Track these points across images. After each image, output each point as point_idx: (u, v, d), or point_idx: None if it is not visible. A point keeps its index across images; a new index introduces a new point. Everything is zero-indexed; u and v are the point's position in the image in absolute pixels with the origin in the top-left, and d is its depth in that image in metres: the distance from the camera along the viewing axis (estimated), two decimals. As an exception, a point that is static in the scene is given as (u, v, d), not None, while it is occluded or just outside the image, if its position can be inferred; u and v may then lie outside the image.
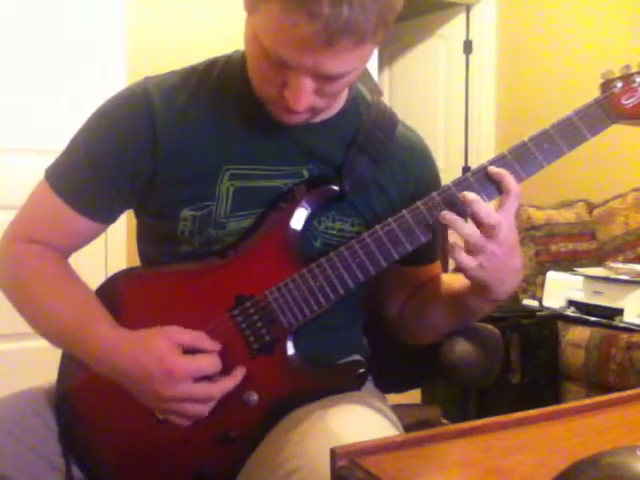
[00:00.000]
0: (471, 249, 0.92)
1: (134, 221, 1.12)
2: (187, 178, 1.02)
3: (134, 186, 1.04)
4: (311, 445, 0.85)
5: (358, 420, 0.92)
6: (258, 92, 0.99)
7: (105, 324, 0.99)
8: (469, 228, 0.92)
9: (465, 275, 0.94)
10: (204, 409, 0.95)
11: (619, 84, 0.99)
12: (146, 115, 1.02)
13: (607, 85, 0.99)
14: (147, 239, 1.12)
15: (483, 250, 0.91)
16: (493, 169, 0.95)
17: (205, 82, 1.05)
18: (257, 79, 0.97)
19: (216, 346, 0.97)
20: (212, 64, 1.07)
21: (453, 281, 1.08)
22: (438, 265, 1.17)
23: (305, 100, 0.91)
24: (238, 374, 0.97)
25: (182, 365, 0.93)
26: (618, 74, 1.00)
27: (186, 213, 1.02)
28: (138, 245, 1.14)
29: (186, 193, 1.02)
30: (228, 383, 0.96)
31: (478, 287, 0.96)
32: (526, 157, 0.97)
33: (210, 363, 0.95)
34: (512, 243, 0.94)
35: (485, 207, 0.92)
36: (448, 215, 0.93)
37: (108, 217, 1.08)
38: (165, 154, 1.01)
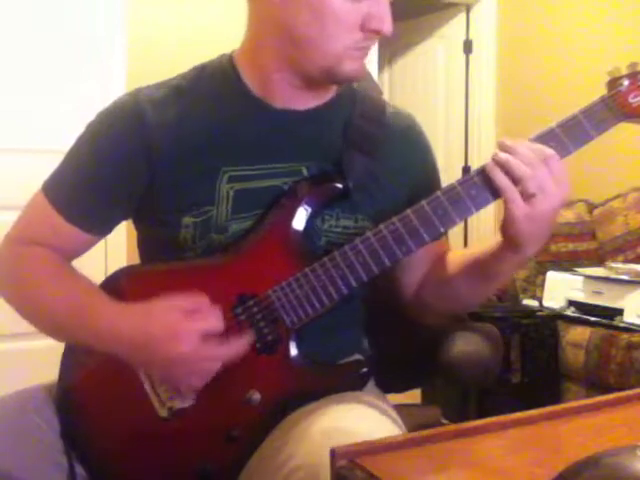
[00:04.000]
0: (524, 189, 0.91)
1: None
2: (186, 184, 1.02)
3: (131, 197, 1.05)
4: (314, 442, 0.85)
5: (361, 418, 0.93)
6: (330, 54, 0.98)
7: (107, 301, 1.00)
8: (525, 168, 0.91)
9: (511, 222, 0.93)
10: (212, 366, 0.94)
11: (626, 82, 0.98)
12: (139, 127, 1.03)
13: (613, 83, 0.99)
14: (149, 248, 1.12)
15: (542, 187, 0.91)
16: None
17: (196, 87, 1.06)
18: (332, 35, 0.96)
19: (216, 309, 0.95)
20: (201, 70, 1.09)
21: (472, 250, 1.08)
22: (446, 241, 1.16)
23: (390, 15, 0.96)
24: (247, 339, 0.96)
25: (185, 323, 0.92)
26: (625, 72, 0.99)
27: (187, 220, 1.02)
28: (140, 255, 1.14)
29: (186, 199, 1.02)
30: (236, 345, 0.94)
31: (512, 242, 0.95)
32: None
33: (212, 321, 0.94)
34: (555, 211, 0.94)
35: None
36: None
37: (101, 229, 1.09)
38: (162, 162, 1.02)
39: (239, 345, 0.95)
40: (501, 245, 0.98)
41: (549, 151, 0.93)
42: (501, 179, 0.93)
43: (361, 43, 0.97)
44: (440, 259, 1.13)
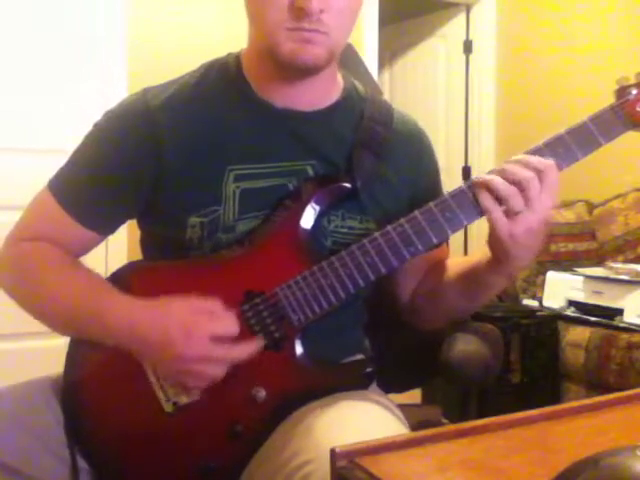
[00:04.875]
0: (509, 208, 0.92)
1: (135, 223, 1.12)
2: (193, 183, 1.02)
3: (138, 197, 1.05)
4: (320, 438, 0.85)
5: (367, 415, 0.93)
6: (266, 33, 0.98)
7: (118, 294, 0.99)
8: (508, 187, 0.92)
9: (496, 240, 0.94)
10: (220, 371, 0.94)
11: (634, 91, 0.99)
12: (149, 126, 1.03)
13: (622, 92, 0.99)
14: (154, 248, 1.12)
15: (522, 215, 0.92)
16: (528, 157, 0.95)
17: (203, 86, 1.07)
18: (264, 14, 0.97)
19: (231, 313, 0.96)
20: (208, 68, 1.09)
21: (466, 260, 1.09)
22: (444, 248, 1.17)
23: None
24: (256, 343, 0.96)
25: (201, 323, 0.93)
26: (633, 81, 1.00)
27: (194, 220, 1.02)
28: (143, 255, 1.14)
29: (192, 199, 1.02)
30: (246, 348, 0.95)
31: (500, 257, 0.97)
32: None
33: (227, 324, 0.94)
34: (542, 224, 0.94)
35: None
36: (483, 177, 0.94)
37: (107, 227, 1.09)
38: (170, 162, 1.02)
39: (249, 349, 0.95)
40: (491, 258, 1.00)
41: (547, 162, 0.93)
42: (484, 199, 0.94)
43: (292, 23, 0.95)
44: (436, 266, 1.14)
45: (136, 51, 2.91)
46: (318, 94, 1.07)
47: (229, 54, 1.11)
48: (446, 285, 1.10)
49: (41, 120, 2.73)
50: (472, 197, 0.96)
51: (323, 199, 1.03)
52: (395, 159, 1.10)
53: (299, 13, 0.94)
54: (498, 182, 0.92)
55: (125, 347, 0.97)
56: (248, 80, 1.06)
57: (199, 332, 0.92)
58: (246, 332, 0.98)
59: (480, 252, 1.04)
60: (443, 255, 1.16)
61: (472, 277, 1.05)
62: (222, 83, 1.07)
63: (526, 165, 0.93)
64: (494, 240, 0.95)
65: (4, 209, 1.92)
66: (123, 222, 1.11)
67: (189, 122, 1.03)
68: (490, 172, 0.96)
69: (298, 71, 1.00)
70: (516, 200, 0.92)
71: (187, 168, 1.02)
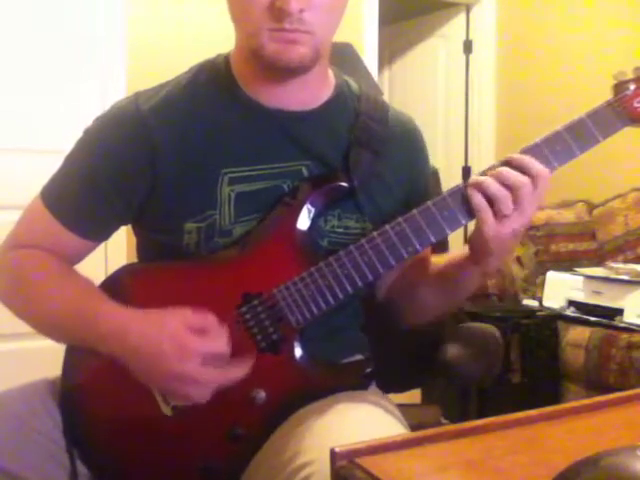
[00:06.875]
0: (499, 210, 0.93)
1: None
2: (187, 188, 1.02)
3: (131, 204, 1.04)
4: (321, 439, 0.85)
5: (367, 416, 0.93)
6: (249, 35, 0.98)
7: (112, 303, 0.98)
8: (500, 190, 0.93)
9: (480, 240, 0.95)
10: (205, 395, 0.93)
11: (632, 86, 0.98)
12: (142, 131, 1.02)
13: (619, 87, 0.99)
14: (150, 254, 1.11)
15: (509, 215, 0.93)
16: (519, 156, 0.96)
17: (194, 88, 1.06)
18: (246, 16, 0.97)
19: (224, 331, 0.95)
20: (198, 71, 1.08)
21: (442, 259, 1.10)
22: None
23: None
24: (246, 366, 0.95)
25: (195, 342, 0.91)
26: (631, 76, 0.99)
27: (190, 226, 1.01)
28: (140, 261, 1.13)
29: (188, 203, 1.01)
30: (235, 373, 0.94)
31: (477, 256, 0.99)
32: (539, 159, 0.97)
33: (221, 345, 0.93)
34: (525, 227, 0.96)
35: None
36: (476, 178, 0.95)
37: (101, 235, 1.08)
38: (164, 167, 1.01)
39: (236, 375, 0.94)
40: (466, 256, 1.02)
41: (540, 169, 0.94)
42: (476, 199, 0.95)
43: (273, 24, 0.94)
44: (414, 263, 1.13)
45: (136, 51, 2.91)
46: (309, 93, 1.06)
47: (218, 55, 1.10)
48: (421, 282, 1.12)
49: (41, 120, 2.73)
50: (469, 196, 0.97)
51: (319, 200, 1.02)
52: (391, 157, 1.09)
53: (279, 14, 0.93)
54: (491, 184, 0.94)
55: (116, 355, 0.96)
56: (238, 81, 1.06)
57: (192, 352, 0.91)
58: (244, 335, 0.98)
59: (457, 251, 1.06)
60: (423, 253, 1.15)
61: (447, 275, 1.08)
62: (212, 85, 1.06)
63: (523, 170, 0.94)
64: (479, 239, 0.96)
65: (4, 209, 1.92)
66: (117, 229, 1.10)
67: (182, 125, 1.02)
68: (489, 169, 0.96)
69: (284, 71, 0.99)
70: (507, 204, 0.93)
71: (182, 172, 1.01)
